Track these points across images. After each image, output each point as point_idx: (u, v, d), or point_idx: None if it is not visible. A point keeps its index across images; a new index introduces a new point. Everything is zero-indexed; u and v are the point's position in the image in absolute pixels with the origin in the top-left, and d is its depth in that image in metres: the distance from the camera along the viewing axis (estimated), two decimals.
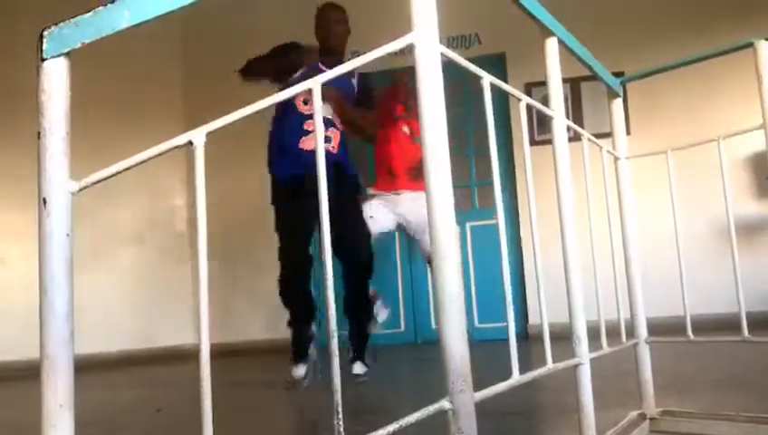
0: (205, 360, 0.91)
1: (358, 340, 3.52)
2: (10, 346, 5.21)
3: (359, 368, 3.45)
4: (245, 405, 2.84)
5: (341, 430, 0.95)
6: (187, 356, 5.98)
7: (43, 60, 0.95)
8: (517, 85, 5.71)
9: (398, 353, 5.19)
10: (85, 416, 2.74)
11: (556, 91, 1.55)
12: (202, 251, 0.92)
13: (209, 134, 0.96)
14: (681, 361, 2.97)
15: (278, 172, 3.34)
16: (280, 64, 3.33)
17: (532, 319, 5.66)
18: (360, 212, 3.49)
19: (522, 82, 5.69)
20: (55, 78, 0.95)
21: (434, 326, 5.92)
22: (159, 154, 0.95)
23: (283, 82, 3.26)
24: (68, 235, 0.93)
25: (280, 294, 3.29)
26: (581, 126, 5.75)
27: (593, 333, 1.50)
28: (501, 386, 1.13)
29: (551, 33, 1.55)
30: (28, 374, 5.02)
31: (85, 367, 5.16)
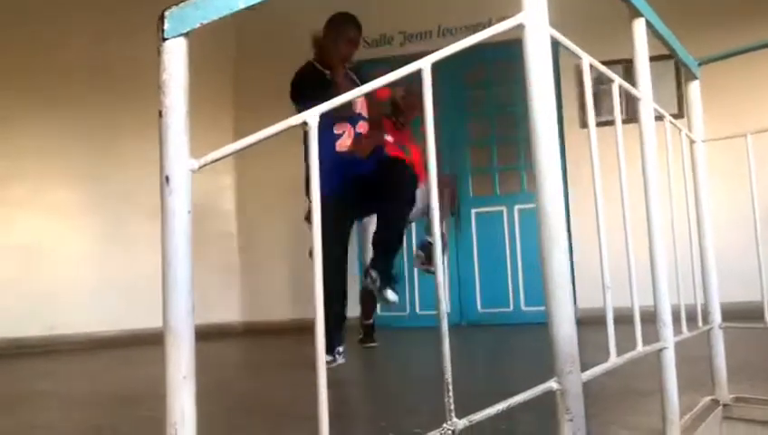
0: (319, 340, 0.93)
1: (385, 267, 3.53)
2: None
3: (392, 295, 3.50)
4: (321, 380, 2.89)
5: (452, 408, 0.96)
6: (231, 333, 6.11)
7: (164, 39, 0.97)
8: (568, 66, 5.64)
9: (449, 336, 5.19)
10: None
11: (643, 72, 1.53)
12: (316, 231, 0.93)
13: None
14: (751, 347, 2.93)
15: (324, 191, 3.43)
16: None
17: (582, 303, 5.60)
18: (404, 165, 3.54)
19: (573, 64, 5.61)
20: (176, 57, 0.97)
21: (480, 309, 5.92)
22: (276, 133, 0.97)
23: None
24: (189, 211, 0.95)
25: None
26: (635, 108, 5.64)
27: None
28: (601, 367, 1.13)
29: (639, 14, 1.53)
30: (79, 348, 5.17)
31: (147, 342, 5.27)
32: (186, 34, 0.97)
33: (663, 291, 1.48)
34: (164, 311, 0.94)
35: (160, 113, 0.96)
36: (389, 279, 3.52)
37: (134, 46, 5.88)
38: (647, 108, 1.53)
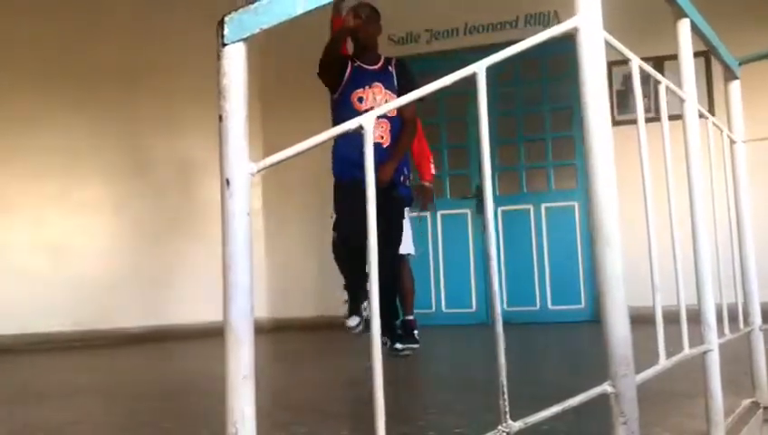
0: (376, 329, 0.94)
1: (388, 320, 3.68)
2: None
3: (401, 347, 3.65)
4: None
5: (507, 410, 0.97)
6: (259, 330, 6.14)
7: (224, 45, 0.98)
8: None
9: (471, 334, 5.20)
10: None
11: (688, 73, 1.52)
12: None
13: None
14: None
15: (343, 175, 3.57)
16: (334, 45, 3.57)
17: None
18: (401, 213, 3.74)
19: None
20: (235, 62, 0.98)
21: (506, 307, 5.90)
22: (332, 136, 0.99)
23: (335, 89, 3.61)
24: (248, 213, 0.97)
25: (339, 265, 3.60)
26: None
27: (695, 317, 1.45)
28: (653, 370, 1.13)
29: (684, 15, 1.52)
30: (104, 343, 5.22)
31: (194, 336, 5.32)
32: (245, 40, 0.99)
33: (708, 293, 1.47)
34: (225, 311, 0.96)
35: (220, 118, 0.97)
36: (394, 331, 3.65)
37: (162, 48, 5.99)
38: (691, 108, 1.52)
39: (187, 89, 5.99)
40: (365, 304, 3.57)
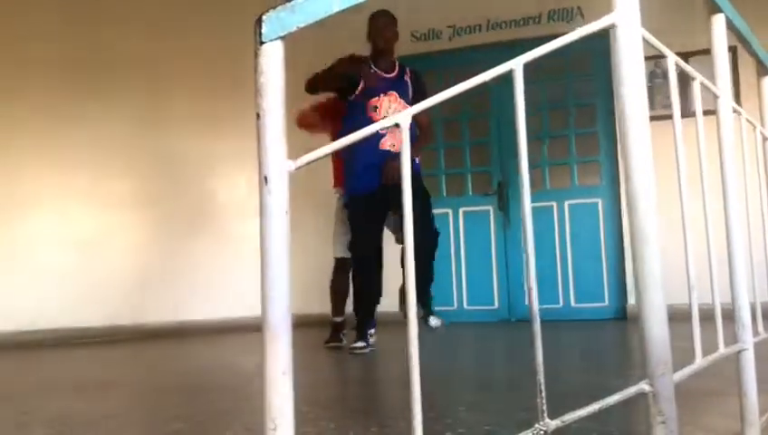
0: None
1: (425, 299, 3.84)
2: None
3: (434, 322, 3.81)
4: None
5: (545, 408, 0.96)
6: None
7: (262, 43, 0.98)
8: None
9: (494, 331, 5.19)
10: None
11: (723, 69, 1.50)
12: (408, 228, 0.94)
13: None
14: None
15: (360, 189, 3.67)
16: (344, 75, 3.65)
17: (633, 299, 5.54)
18: (427, 197, 3.83)
19: None
20: (273, 60, 0.98)
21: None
22: (369, 134, 0.99)
23: (344, 98, 3.68)
24: (286, 212, 0.97)
25: (354, 287, 3.77)
26: (692, 101, 5.54)
27: (728, 315, 1.44)
28: (690, 369, 1.12)
29: (718, 10, 1.50)
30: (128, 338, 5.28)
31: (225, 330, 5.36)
32: (282, 38, 0.99)
33: (742, 292, 1.46)
34: (263, 308, 0.96)
35: (258, 115, 0.98)
36: (430, 308, 3.79)
37: (189, 42, 6.02)
38: (725, 105, 1.50)
39: (216, 87, 6.03)
40: (372, 330, 3.78)
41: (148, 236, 5.88)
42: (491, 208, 6.03)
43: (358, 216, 3.67)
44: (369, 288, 3.69)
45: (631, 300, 5.54)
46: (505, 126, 5.99)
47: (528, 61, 1.03)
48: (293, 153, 1.01)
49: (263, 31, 0.99)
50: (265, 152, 0.97)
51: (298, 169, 1.01)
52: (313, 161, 1.01)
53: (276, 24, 0.99)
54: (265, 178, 0.97)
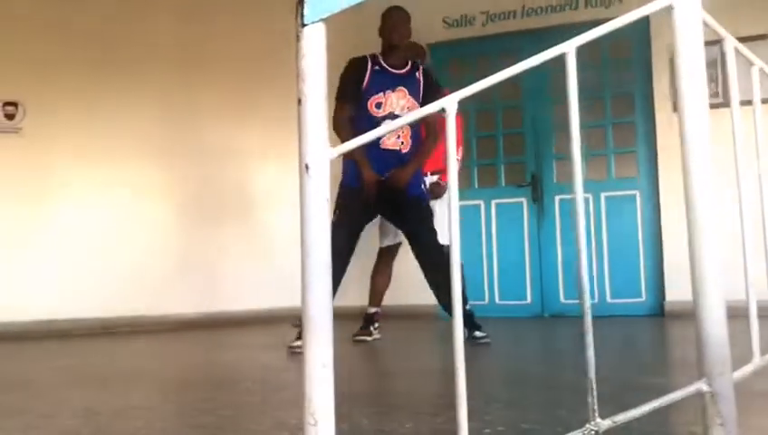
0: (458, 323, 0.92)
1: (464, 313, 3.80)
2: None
3: (480, 335, 3.74)
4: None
5: (596, 407, 0.94)
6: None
7: (303, 26, 0.97)
8: (661, 48, 5.47)
9: (527, 327, 5.15)
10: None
11: None
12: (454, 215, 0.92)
13: None
14: None
15: (351, 178, 3.66)
16: (356, 86, 3.65)
17: (670, 295, 5.47)
18: (426, 209, 3.81)
19: (665, 43, 5.44)
20: (315, 43, 0.97)
21: (563, 300, 5.84)
22: (416, 118, 0.97)
23: (358, 96, 3.65)
24: (327, 199, 0.96)
25: None
26: (726, 92, 5.45)
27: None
28: (749, 368, 1.09)
29: None
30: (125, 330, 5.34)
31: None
32: (324, 20, 0.98)
33: None
34: (303, 300, 0.95)
35: (299, 101, 0.96)
36: (471, 320, 3.74)
37: (216, 27, 6.04)
38: None
39: (245, 74, 6.05)
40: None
41: (171, 227, 5.91)
42: (524, 200, 5.98)
43: (343, 206, 3.64)
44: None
45: (670, 296, 5.47)
46: (540, 116, 5.93)
47: (581, 44, 1.00)
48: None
49: (304, 12, 0.97)
50: (306, 139, 0.96)
51: (340, 156, 1.00)
52: (353, 149, 1.00)
53: (318, 6, 0.97)
54: (306, 166, 0.96)
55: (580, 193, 0.97)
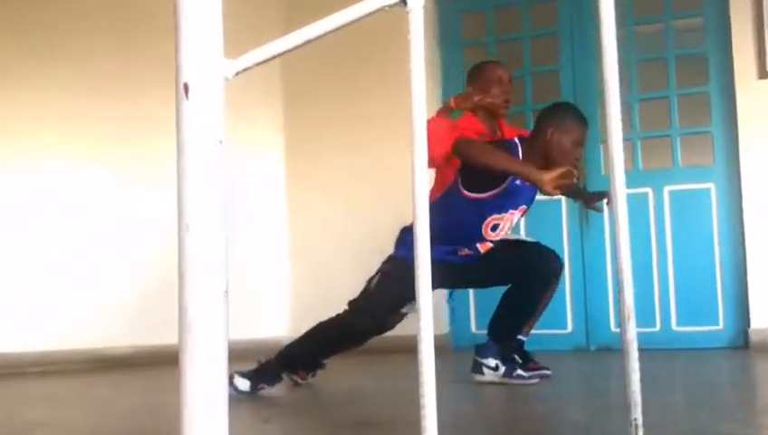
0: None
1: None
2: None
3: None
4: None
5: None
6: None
7: None
8: (742, 10, 5.36)
9: (568, 362, 5.01)
10: None
11: None
12: None
13: None
14: None
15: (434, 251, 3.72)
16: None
17: (757, 322, 5.31)
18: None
19: (748, 3, 5.35)
20: None
21: (614, 328, 5.68)
22: (365, 15, 0.80)
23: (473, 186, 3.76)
24: (220, 142, 0.79)
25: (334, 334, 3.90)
26: None
27: None
28: None
29: None
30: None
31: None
32: None
33: None
34: (180, 302, 0.78)
35: None
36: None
37: None
38: None
39: None
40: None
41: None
42: (562, 199, 5.83)
43: (405, 284, 3.63)
44: (346, 347, 3.92)
45: (756, 323, 5.31)
46: (587, 82, 5.78)
47: None
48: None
49: None
50: (183, 47, 0.78)
51: (240, 73, 0.82)
52: (267, 60, 0.82)
53: None
54: (185, 87, 0.78)
55: (620, 185, 0.79)
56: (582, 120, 3.75)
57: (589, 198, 4.29)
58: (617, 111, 0.82)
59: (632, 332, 0.78)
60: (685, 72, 5.78)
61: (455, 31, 6.18)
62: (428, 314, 0.80)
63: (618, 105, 0.81)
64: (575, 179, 3.64)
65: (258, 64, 0.81)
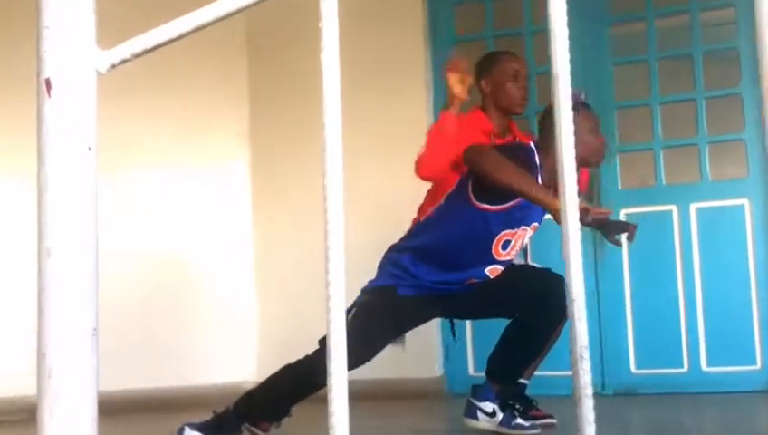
0: None
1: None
2: None
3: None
4: None
5: None
6: None
7: None
8: None
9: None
10: None
11: None
12: None
13: None
14: None
15: (423, 290, 3.77)
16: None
17: None
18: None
19: None
20: None
21: (634, 370, 5.67)
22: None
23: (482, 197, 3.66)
24: (90, 148, 0.76)
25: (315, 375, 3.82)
26: None
27: None
28: None
29: None
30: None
31: None
32: None
33: None
34: (39, 337, 0.75)
35: None
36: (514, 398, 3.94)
37: None
38: None
39: None
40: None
41: None
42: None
43: (397, 320, 3.78)
44: (314, 392, 3.79)
45: None
46: (600, 82, 5.80)
47: None
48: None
49: None
50: (45, 33, 0.76)
51: (116, 66, 0.80)
52: (147, 51, 0.80)
53: None
54: (47, 82, 0.76)
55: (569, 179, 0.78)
56: (590, 108, 3.77)
57: (611, 229, 4.22)
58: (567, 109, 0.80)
59: (586, 376, 0.76)
60: (714, 70, 5.81)
61: (447, 25, 6.21)
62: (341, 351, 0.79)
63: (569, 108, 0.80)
64: (607, 215, 3.75)
65: (138, 56, 0.79)
